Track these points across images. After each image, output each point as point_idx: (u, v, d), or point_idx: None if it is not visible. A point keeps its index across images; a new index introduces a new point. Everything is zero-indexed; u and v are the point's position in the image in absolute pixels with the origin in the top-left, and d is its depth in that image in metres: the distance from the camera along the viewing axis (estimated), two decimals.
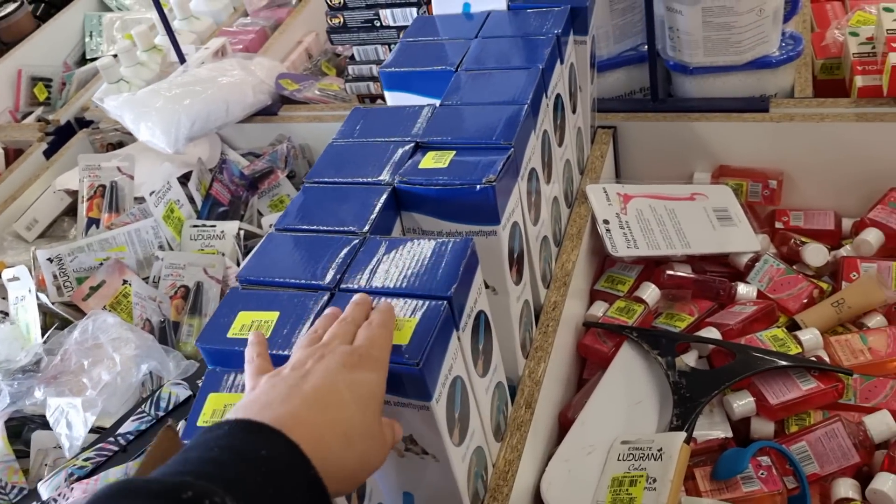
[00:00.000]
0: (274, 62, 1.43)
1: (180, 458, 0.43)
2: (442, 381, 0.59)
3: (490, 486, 0.71)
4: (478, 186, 0.70)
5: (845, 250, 1.02)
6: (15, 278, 1.04)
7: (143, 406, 0.86)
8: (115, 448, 0.83)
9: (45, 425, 0.90)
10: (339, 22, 1.23)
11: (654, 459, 0.76)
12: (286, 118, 1.33)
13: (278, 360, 0.57)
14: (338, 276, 0.65)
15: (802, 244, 1.03)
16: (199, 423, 0.57)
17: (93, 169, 1.20)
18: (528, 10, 0.96)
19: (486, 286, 0.74)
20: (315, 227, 0.71)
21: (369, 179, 0.75)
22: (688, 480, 0.79)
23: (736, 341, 0.89)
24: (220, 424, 0.46)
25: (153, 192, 1.11)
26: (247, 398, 0.51)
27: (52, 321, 1.05)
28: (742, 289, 0.98)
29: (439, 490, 0.65)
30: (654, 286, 0.97)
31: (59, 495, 0.77)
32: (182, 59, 1.38)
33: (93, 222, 1.17)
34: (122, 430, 0.85)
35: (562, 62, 0.92)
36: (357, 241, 0.68)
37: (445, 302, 0.60)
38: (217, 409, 0.58)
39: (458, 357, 0.63)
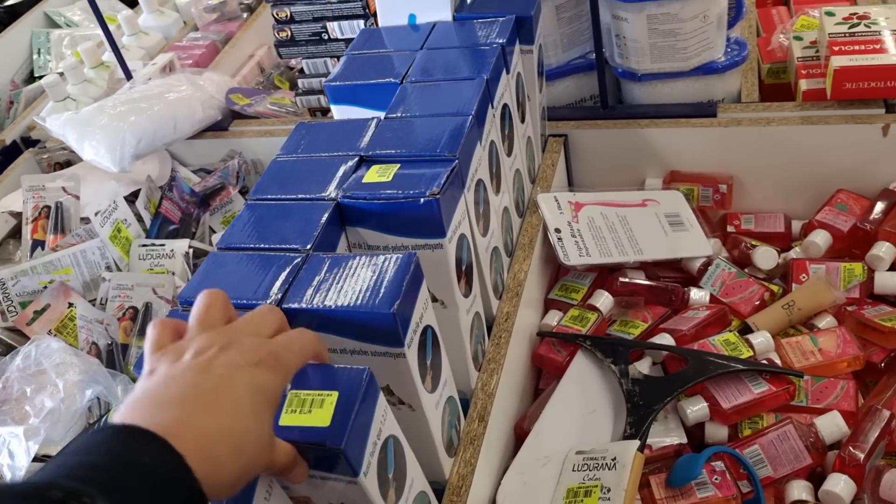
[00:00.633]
0: (224, 77, 1.41)
1: (59, 459, 0.42)
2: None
3: (443, 503, 0.70)
4: (422, 199, 0.69)
5: (795, 252, 1.03)
6: None
7: (89, 432, 0.84)
8: None
9: None
10: (287, 35, 1.21)
11: (609, 469, 0.75)
12: (237, 133, 1.31)
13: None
14: (279, 295, 0.63)
15: (753, 247, 1.04)
16: None
17: (37, 190, 1.18)
18: (474, 21, 0.96)
19: (435, 300, 0.73)
20: (258, 246, 0.70)
21: (313, 195, 0.74)
22: (643, 488, 0.79)
23: (689, 346, 0.89)
24: (105, 428, 0.44)
25: (98, 212, 1.09)
26: (139, 389, 0.48)
27: None
28: (695, 294, 0.98)
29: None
30: (607, 294, 0.97)
31: None
32: (129, 76, 1.36)
33: (38, 244, 1.15)
34: None
35: (508, 72, 0.92)
36: (300, 258, 0.67)
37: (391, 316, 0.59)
38: None
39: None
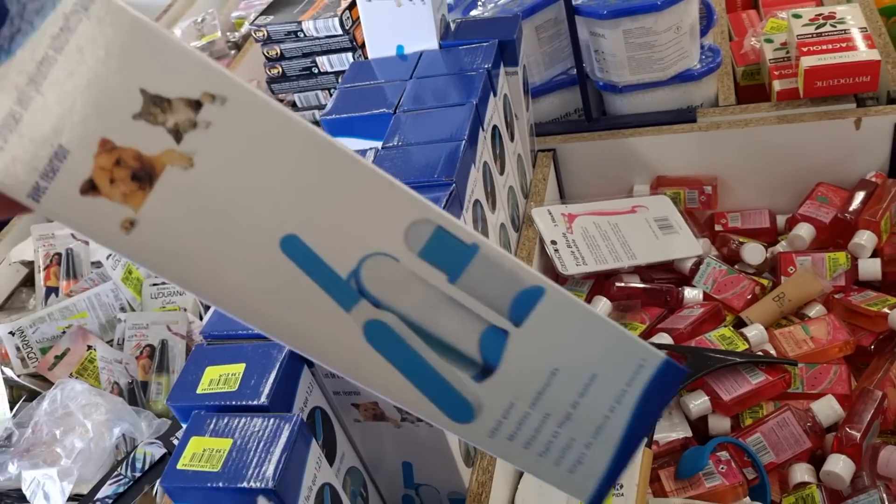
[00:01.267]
0: None
1: None
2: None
3: None
4: None
5: (781, 246, 1.08)
6: None
7: (119, 469, 0.87)
8: None
9: (21, 499, 0.90)
10: (278, 72, 1.26)
11: None
12: None
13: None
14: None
15: (741, 244, 1.08)
16: (179, 466, 0.59)
17: (47, 238, 1.21)
18: (459, 48, 1.00)
19: None
20: None
21: None
22: (654, 482, 0.82)
23: (687, 344, 0.93)
24: None
25: (110, 255, 1.13)
26: None
27: (20, 394, 1.05)
28: (689, 293, 1.02)
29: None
30: (605, 299, 1.01)
31: None
32: None
33: (51, 291, 1.18)
34: (100, 494, 0.86)
35: (495, 94, 0.96)
36: None
37: None
38: (197, 452, 0.60)
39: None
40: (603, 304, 1.00)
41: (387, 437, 0.72)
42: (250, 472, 0.57)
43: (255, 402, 0.62)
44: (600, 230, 1.05)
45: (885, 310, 0.92)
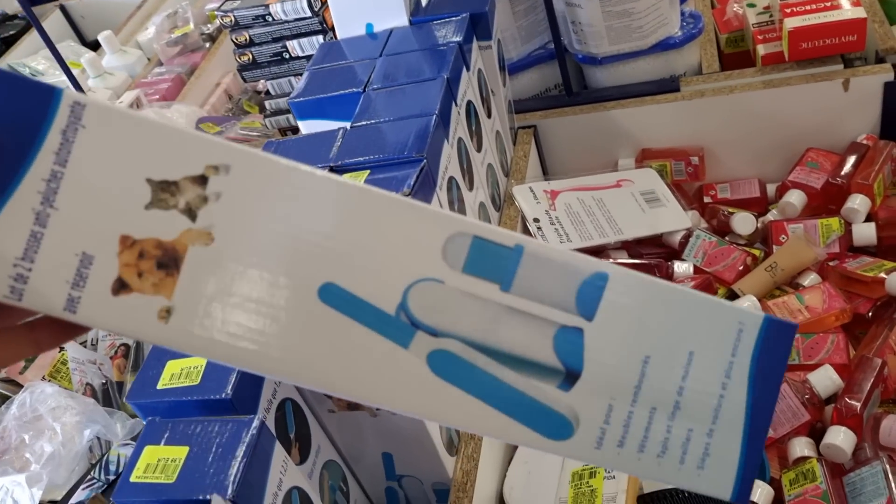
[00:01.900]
0: (192, 108, 1.42)
1: None
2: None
3: (451, 501, 0.70)
4: None
5: (772, 215, 1.04)
6: None
7: (92, 472, 0.84)
8: None
9: None
10: (249, 59, 1.22)
11: None
12: None
13: None
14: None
15: (730, 215, 1.05)
16: (133, 478, 0.56)
17: None
18: (430, 23, 0.96)
19: None
20: None
21: None
22: None
23: None
24: None
25: None
26: None
27: None
28: (679, 267, 0.99)
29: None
30: None
31: None
32: None
33: None
34: (73, 499, 0.82)
35: (468, 69, 0.92)
36: None
37: None
38: (151, 463, 0.56)
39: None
40: None
41: (364, 427, 0.69)
42: (208, 481, 0.53)
43: (218, 397, 0.59)
44: (584, 206, 1.02)
45: (882, 275, 0.89)
